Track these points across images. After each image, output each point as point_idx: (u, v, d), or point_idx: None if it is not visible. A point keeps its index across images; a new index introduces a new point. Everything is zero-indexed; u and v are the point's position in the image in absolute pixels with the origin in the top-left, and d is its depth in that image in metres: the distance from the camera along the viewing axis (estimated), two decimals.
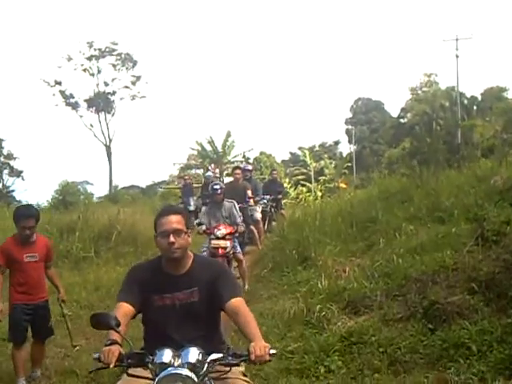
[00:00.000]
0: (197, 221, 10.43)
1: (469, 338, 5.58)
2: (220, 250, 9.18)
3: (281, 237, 11.27)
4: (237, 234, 9.75)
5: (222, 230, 9.35)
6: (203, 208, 13.68)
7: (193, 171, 42.54)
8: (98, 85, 36.00)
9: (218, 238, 9.26)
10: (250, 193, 12.95)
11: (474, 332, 5.65)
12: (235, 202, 9.97)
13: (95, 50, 35.91)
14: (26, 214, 5.96)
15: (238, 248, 9.79)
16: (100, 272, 9.71)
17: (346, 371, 5.55)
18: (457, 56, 42.18)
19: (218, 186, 9.86)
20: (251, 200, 13.03)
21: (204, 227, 9.54)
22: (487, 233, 7.73)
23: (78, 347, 6.70)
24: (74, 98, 34.84)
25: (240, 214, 9.97)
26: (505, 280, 6.49)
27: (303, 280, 8.86)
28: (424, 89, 56.50)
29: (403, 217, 10.55)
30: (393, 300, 7.03)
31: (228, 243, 9.30)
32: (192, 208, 17.00)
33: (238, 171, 13.11)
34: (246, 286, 9.45)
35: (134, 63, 36.72)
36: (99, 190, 53.06)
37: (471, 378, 4.92)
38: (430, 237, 8.72)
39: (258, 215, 13.80)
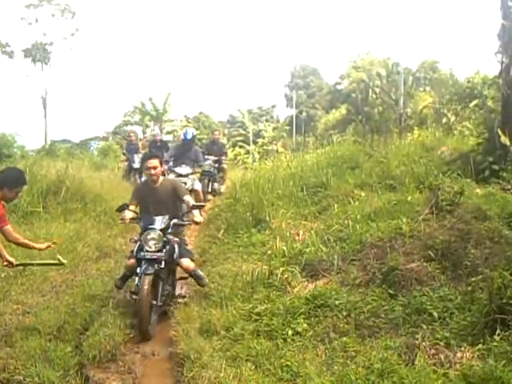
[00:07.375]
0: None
1: (430, 304, 5.71)
2: None
3: (233, 198, 11.22)
4: None
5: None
6: None
7: (128, 128, 41.63)
8: (35, 35, 34.43)
9: None
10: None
11: (435, 299, 5.81)
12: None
13: None
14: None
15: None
16: (50, 228, 9.41)
17: (312, 334, 5.58)
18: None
19: None
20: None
21: None
22: (441, 202, 7.94)
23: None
24: (9, 46, 33.20)
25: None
26: (460, 249, 6.71)
27: (258, 242, 8.90)
28: (361, 57, 56.89)
29: (354, 183, 10.69)
30: (350, 264, 7.13)
31: None
32: (137, 165, 16.63)
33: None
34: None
35: (73, 14, 35.07)
36: (30, 142, 51.06)
37: (438, 344, 5.07)
38: (383, 204, 8.87)
39: (197, 185, 13.33)
